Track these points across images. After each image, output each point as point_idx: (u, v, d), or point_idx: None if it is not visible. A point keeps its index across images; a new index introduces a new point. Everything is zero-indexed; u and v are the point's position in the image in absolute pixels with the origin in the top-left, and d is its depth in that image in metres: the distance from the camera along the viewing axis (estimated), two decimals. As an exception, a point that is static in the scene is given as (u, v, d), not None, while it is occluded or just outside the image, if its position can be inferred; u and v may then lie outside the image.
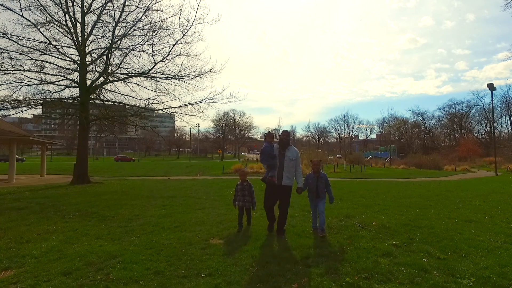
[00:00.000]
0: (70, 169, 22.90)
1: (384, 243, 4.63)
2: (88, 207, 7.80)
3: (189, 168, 29.90)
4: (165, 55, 14.43)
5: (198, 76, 15.19)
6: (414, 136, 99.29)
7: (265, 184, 5.19)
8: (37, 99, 13.42)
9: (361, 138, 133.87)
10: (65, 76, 14.08)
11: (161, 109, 16.05)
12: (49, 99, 13.78)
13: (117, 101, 15.11)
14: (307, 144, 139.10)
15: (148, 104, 14.60)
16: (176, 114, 16.07)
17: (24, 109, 13.24)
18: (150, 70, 14.69)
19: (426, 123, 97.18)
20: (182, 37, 14.18)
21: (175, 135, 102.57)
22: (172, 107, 16.04)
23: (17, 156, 54.63)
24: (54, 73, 13.80)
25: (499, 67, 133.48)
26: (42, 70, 13.13)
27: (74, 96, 14.67)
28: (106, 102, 15.24)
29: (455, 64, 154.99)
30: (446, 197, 10.11)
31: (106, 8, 14.76)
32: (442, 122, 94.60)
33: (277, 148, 5.09)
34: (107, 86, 15.19)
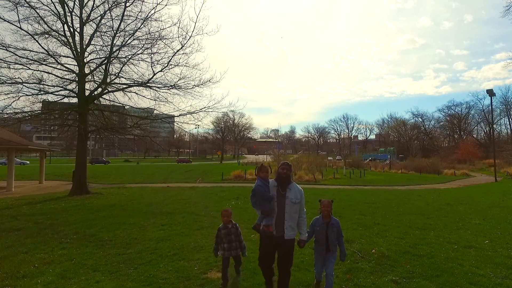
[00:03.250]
0: (69, 175, 22.86)
1: (384, 277, 4.59)
2: (86, 227, 7.74)
3: (188, 173, 29.86)
4: (164, 66, 14.39)
5: (198, 86, 15.16)
6: (414, 137, 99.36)
7: (258, 233, 3.95)
8: (34, 110, 13.36)
9: (361, 139, 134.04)
10: (64, 86, 14.03)
11: (160, 118, 16.00)
12: (46, 111, 13.69)
13: (116, 111, 15.05)
14: (306, 144, 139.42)
15: (147, 116, 14.54)
16: (176, 124, 16.03)
17: (22, 120, 13.16)
18: (149, 80, 14.64)
19: (426, 124, 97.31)
20: (181, 48, 14.15)
21: (175, 136, 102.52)
22: (171, 116, 16.03)
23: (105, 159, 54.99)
24: (53, 84, 13.76)
25: (497, 68, 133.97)
26: (41, 82, 13.06)
27: (72, 107, 14.61)
28: (105, 112, 15.18)
29: (454, 64, 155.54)
30: (446, 212, 10.08)
31: (105, 17, 14.71)
32: (442, 123, 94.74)
33: (274, 186, 3.81)
34: (105, 96, 15.14)
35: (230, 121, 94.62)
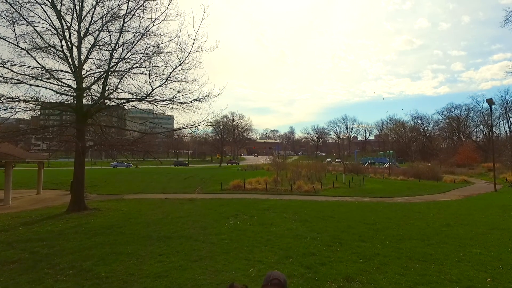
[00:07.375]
0: (67, 182, 22.79)
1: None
2: (83, 259, 7.63)
3: (187, 181, 29.73)
4: (163, 82, 14.29)
5: (197, 100, 15.07)
6: (413, 138, 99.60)
7: None
8: (33, 127, 13.25)
9: (360, 139, 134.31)
10: (61, 102, 13.91)
11: (160, 133, 15.91)
12: (44, 127, 13.59)
13: (115, 126, 14.94)
14: (305, 145, 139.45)
15: (146, 132, 14.45)
16: (175, 134, 15.92)
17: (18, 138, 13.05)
18: (147, 95, 14.53)
19: (425, 126, 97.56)
20: (180, 64, 14.04)
21: (174, 137, 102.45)
22: (169, 130, 15.93)
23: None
24: (50, 100, 13.63)
25: (495, 68, 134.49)
26: (38, 100, 12.95)
27: (70, 122, 14.49)
28: (103, 128, 15.08)
29: (451, 65, 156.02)
30: (446, 237, 9.99)
31: (103, 30, 14.57)
32: (441, 125, 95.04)
33: None
34: (104, 110, 15.02)
35: (230, 123, 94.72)
